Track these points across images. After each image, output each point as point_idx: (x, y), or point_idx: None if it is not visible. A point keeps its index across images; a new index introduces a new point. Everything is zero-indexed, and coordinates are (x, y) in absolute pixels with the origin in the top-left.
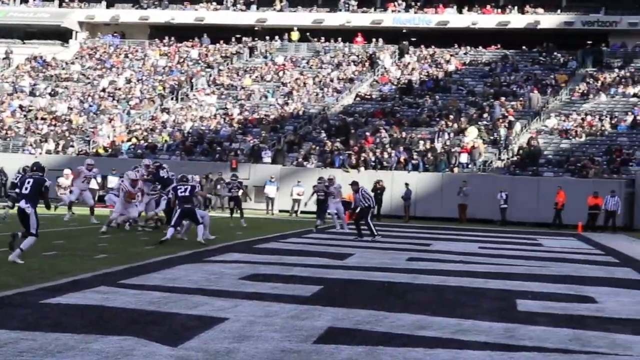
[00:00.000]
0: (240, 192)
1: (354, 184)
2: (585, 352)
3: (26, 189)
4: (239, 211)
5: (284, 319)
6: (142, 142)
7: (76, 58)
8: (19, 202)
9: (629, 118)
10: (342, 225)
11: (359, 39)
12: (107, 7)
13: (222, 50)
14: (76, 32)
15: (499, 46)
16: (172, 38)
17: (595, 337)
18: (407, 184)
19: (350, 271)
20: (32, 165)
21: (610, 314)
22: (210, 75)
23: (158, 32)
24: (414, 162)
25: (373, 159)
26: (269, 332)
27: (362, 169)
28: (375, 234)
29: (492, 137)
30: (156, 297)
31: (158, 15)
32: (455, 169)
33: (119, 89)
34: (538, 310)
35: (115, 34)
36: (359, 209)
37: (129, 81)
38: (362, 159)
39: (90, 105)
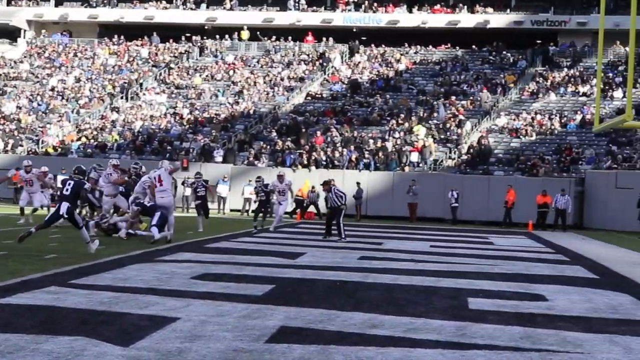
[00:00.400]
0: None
1: (326, 184)
2: (536, 349)
3: (67, 190)
4: (202, 212)
5: (235, 318)
6: (91, 141)
7: (25, 57)
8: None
9: (578, 117)
10: (274, 227)
11: (310, 38)
12: (56, 5)
13: (172, 49)
14: (24, 30)
15: (449, 45)
16: (122, 37)
17: (546, 334)
18: (358, 183)
19: (302, 270)
20: (74, 169)
21: (560, 312)
22: (160, 74)
23: (107, 30)
24: (365, 161)
25: (324, 158)
26: (221, 331)
27: (313, 168)
28: (344, 236)
29: (442, 137)
30: (107, 297)
31: (107, 14)
32: (406, 168)
33: (69, 88)
34: (489, 309)
35: (64, 33)
36: (331, 208)
37: (78, 80)
38: (313, 158)
39: (39, 105)
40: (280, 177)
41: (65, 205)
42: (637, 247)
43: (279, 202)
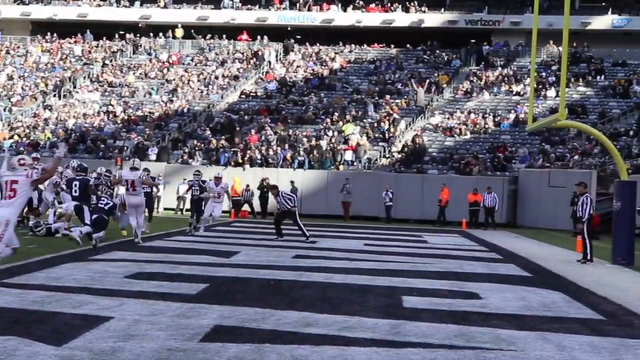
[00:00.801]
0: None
1: (274, 188)
2: (469, 347)
3: (75, 191)
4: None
5: (169, 317)
6: (24, 139)
7: None
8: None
9: (512, 116)
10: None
11: (244, 36)
12: None
13: (106, 47)
14: None
15: (383, 44)
16: (55, 34)
17: (479, 332)
18: (292, 182)
19: (236, 269)
20: (76, 167)
21: (494, 310)
22: (94, 72)
23: (40, 28)
24: (299, 159)
25: (259, 156)
26: (155, 330)
27: (247, 166)
28: (308, 235)
29: (376, 135)
30: (40, 297)
31: (40, 11)
32: (341, 167)
33: (0, 85)
34: (423, 307)
35: None
36: (282, 211)
37: (10, 78)
38: (248, 156)
39: None
40: (218, 180)
41: (72, 204)
42: (570, 245)
43: (213, 203)
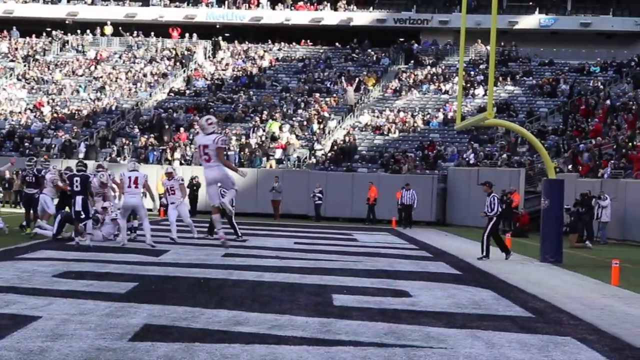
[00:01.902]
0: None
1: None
2: (400, 345)
3: (77, 186)
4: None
5: (98, 316)
6: None
7: None
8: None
9: (441, 115)
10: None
11: (175, 33)
12: None
13: (32, 44)
14: None
15: (312, 43)
16: None
17: (410, 330)
18: None
19: (165, 268)
20: (76, 164)
21: (424, 308)
22: (21, 69)
23: None
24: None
25: (189, 154)
26: (84, 330)
27: (176, 164)
28: (240, 234)
29: (305, 134)
30: None
31: None
32: (273, 164)
33: None
34: (353, 305)
35: None
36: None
37: None
38: (180, 154)
39: None
40: (169, 175)
41: (79, 199)
42: None
43: (171, 202)
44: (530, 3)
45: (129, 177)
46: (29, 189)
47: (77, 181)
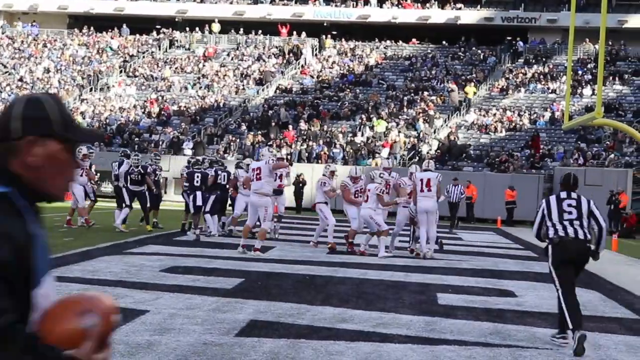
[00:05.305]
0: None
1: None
2: (505, 345)
3: (197, 182)
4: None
5: (205, 311)
6: None
7: None
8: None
9: (548, 114)
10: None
11: (284, 31)
12: None
13: (142, 41)
14: None
15: (419, 41)
16: (91, 28)
17: (515, 330)
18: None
19: (271, 264)
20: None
21: (529, 308)
22: (130, 66)
23: (77, 22)
24: (335, 151)
25: (299, 151)
26: (191, 324)
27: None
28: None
29: (413, 132)
30: (76, 289)
31: (77, 5)
32: (379, 162)
33: (38, 78)
34: (458, 304)
35: (34, 23)
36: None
37: (47, 71)
38: (289, 152)
39: (9, 95)
40: (332, 174)
41: (199, 194)
42: (607, 245)
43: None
44: None
45: (421, 180)
46: (133, 185)
47: (197, 177)
